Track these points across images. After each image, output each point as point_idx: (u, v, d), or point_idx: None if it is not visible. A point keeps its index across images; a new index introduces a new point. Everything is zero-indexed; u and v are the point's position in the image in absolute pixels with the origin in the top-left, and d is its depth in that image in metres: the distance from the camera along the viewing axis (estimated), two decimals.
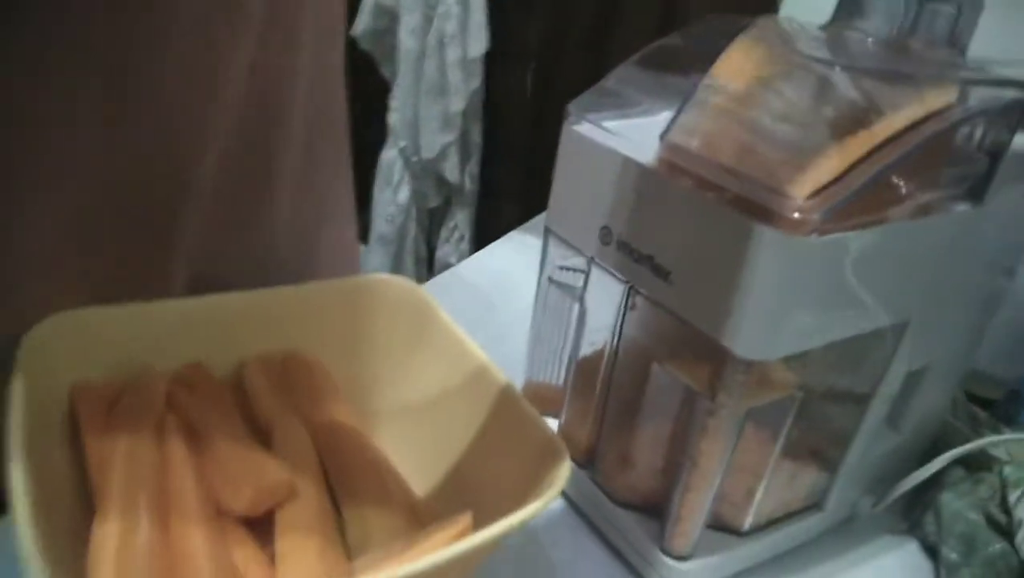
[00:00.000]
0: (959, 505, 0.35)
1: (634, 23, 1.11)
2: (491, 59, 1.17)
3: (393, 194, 1.23)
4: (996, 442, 0.37)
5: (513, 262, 0.60)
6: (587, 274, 0.33)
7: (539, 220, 0.62)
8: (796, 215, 0.23)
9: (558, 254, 0.34)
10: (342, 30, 0.42)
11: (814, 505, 0.35)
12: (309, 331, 0.35)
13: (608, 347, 0.32)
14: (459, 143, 1.19)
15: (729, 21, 0.31)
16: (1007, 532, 0.35)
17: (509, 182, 1.26)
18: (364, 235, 1.28)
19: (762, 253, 0.24)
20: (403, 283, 0.36)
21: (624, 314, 0.31)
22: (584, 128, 0.31)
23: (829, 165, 0.24)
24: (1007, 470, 0.37)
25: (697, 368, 0.28)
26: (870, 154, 0.24)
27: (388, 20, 1.16)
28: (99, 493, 0.25)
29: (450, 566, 0.22)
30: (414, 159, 1.21)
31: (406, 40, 1.13)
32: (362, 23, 1.18)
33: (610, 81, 0.33)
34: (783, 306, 0.25)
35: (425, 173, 1.22)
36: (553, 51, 1.19)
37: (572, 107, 0.31)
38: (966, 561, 0.33)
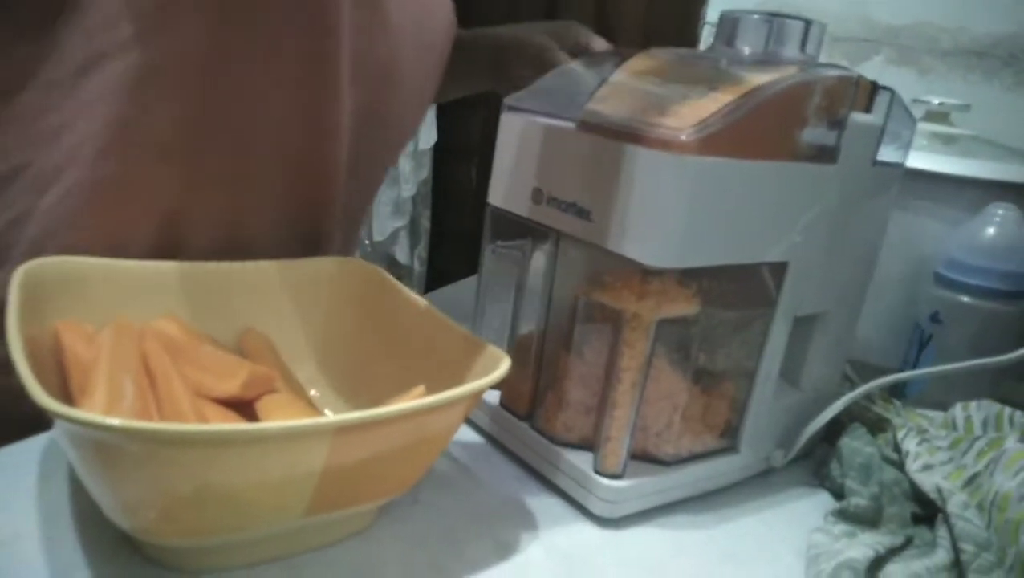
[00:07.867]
0: (857, 444, 0.40)
1: None
2: (439, 152, 1.27)
3: None
4: (884, 385, 0.42)
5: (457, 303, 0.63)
6: (525, 252, 0.38)
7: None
8: (682, 137, 0.29)
9: (498, 233, 0.40)
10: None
11: (730, 448, 0.39)
12: (268, 301, 0.39)
13: (541, 304, 0.37)
14: (409, 228, 1.26)
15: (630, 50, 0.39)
16: (899, 466, 0.39)
17: (455, 266, 1.32)
18: None
19: (659, 173, 0.30)
20: (359, 262, 0.41)
21: (556, 260, 0.36)
22: (519, 114, 0.37)
23: (705, 107, 0.30)
24: (897, 421, 0.42)
25: (615, 292, 0.33)
26: (736, 100, 0.31)
27: None
28: (83, 389, 0.28)
29: (413, 424, 0.26)
30: (366, 242, 1.27)
31: None
32: None
33: (539, 84, 0.40)
34: (677, 219, 0.30)
35: (377, 255, 1.28)
36: (494, 147, 1.30)
37: (508, 100, 0.38)
38: (864, 484, 0.37)
